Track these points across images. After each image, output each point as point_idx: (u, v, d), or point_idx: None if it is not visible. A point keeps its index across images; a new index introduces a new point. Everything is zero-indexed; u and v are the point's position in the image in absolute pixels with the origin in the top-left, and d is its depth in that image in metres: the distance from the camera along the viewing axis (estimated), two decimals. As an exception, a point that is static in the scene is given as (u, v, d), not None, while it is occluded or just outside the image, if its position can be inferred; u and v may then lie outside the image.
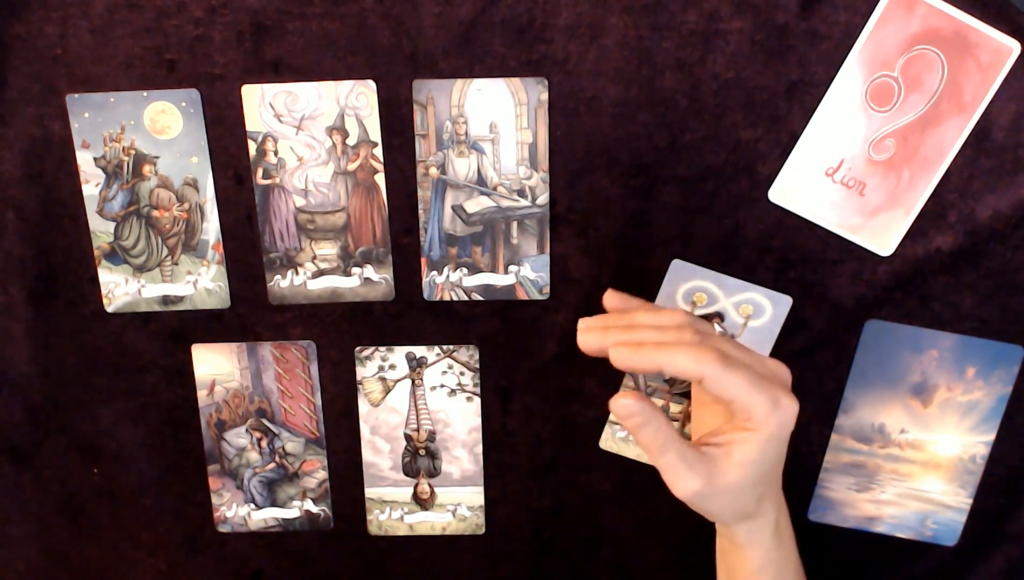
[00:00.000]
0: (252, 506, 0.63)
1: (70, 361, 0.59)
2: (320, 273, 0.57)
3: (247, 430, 0.61)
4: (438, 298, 0.57)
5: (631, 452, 0.60)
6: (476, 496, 0.63)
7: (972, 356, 0.56)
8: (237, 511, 0.63)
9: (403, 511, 0.63)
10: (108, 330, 0.59)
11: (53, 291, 0.58)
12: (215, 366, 0.60)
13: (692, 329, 0.45)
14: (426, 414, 0.61)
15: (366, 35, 0.52)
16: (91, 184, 0.55)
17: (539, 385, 0.59)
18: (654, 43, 0.51)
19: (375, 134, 0.54)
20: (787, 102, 0.52)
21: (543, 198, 0.55)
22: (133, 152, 0.55)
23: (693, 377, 0.42)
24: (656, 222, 0.55)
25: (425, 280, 0.57)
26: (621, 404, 0.42)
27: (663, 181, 0.54)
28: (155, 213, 0.56)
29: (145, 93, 0.53)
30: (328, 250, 0.57)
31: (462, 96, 0.53)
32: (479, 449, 0.61)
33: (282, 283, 0.57)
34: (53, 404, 0.61)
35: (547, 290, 0.57)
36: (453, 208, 0.56)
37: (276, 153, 0.55)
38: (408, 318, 0.58)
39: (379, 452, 0.62)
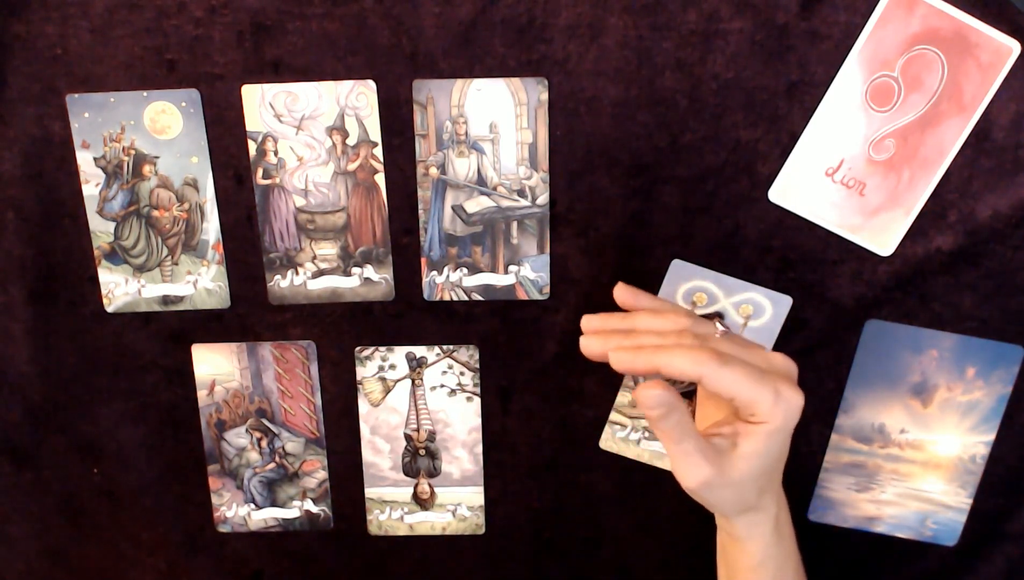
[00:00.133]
0: (252, 506, 0.63)
1: (70, 361, 0.59)
2: (320, 273, 0.57)
3: (247, 430, 0.61)
4: (438, 298, 0.57)
5: (631, 452, 0.60)
6: (476, 496, 0.63)
7: (972, 356, 0.56)
8: (237, 511, 0.63)
9: (403, 511, 0.63)
10: (108, 330, 0.59)
11: (53, 291, 0.58)
12: (215, 366, 0.60)
13: (691, 332, 0.46)
14: (426, 414, 0.61)
15: (366, 35, 0.52)
16: (91, 184, 0.55)
17: (539, 385, 0.59)
18: (654, 43, 0.51)
19: (375, 134, 0.54)
20: (787, 102, 0.52)
21: (543, 198, 0.55)
22: (133, 152, 0.55)
23: (692, 377, 0.43)
24: (656, 222, 0.55)
25: (425, 280, 0.57)
26: (650, 394, 0.43)
27: (663, 181, 0.54)
28: (155, 213, 0.56)
29: (145, 93, 0.53)
30: (328, 250, 0.57)
31: (462, 96, 0.53)
32: (479, 449, 0.61)
33: (282, 283, 0.57)
34: (53, 404, 0.61)
35: (547, 290, 0.57)
36: (453, 208, 0.56)
37: (276, 153, 0.55)
38: (408, 318, 0.58)
39: (379, 452, 0.62)
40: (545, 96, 0.52)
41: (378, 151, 0.54)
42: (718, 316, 0.56)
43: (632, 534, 0.63)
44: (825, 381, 0.58)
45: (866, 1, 0.49)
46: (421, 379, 0.60)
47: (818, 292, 0.55)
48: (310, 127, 0.54)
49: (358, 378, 0.60)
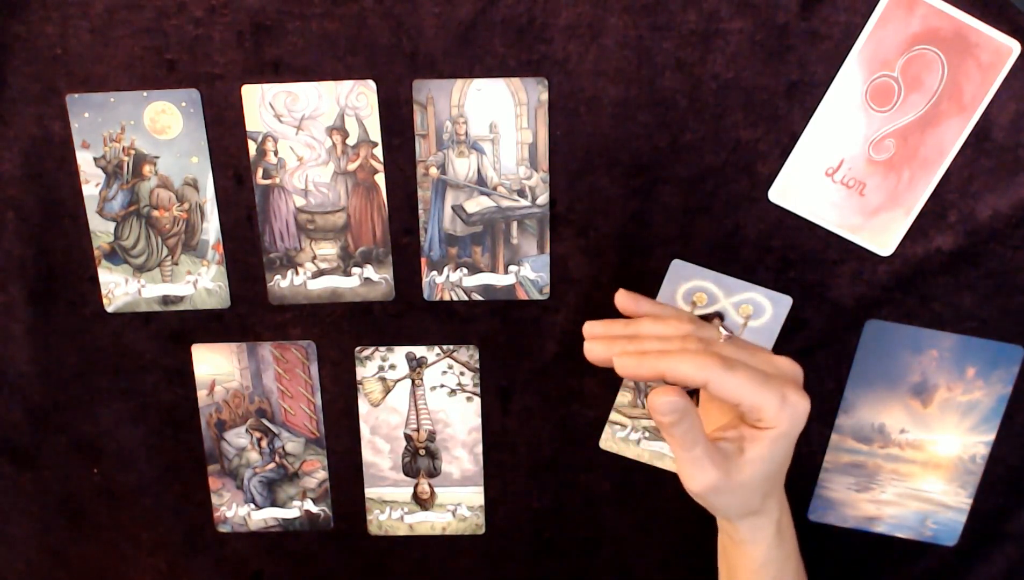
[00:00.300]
0: (252, 506, 0.63)
1: (70, 361, 0.59)
2: (320, 273, 0.57)
3: (247, 430, 0.61)
4: (438, 298, 0.57)
5: (631, 452, 0.60)
6: (476, 496, 0.63)
7: (972, 356, 0.56)
8: (237, 511, 0.63)
9: (403, 511, 0.63)
10: (108, 330, 0.59)
11: (53, 291, 0.58)
12: (215, 366, 0.60)
13: (695, 337, 0.45)
14: (426, 414, 0.61)
15: (366, 35, 0.52)
16: (91, 184, 0.55)
17: (539, 385, 0.59)
18: (654, 43, 0.51)
19: (375, 134, 0.54)
20: (787, 102, 0.52)
21: (543, 198, 0.55)
22: (133, 152, 0.55)
23: (697, 383, 0.43)
24: (656, 222, 0.55)
25: (425, 280, 0.57)
26: (664, 401, 0.42)
27: (663, 181, 0.54)
28: (155, 213, 0.56)
29: (145, 93, 0.53)
30: (328, 250, 0.57)
31: (462, 96, 0.53)
32: (479, 449, 0.61)
33: (282, 283, 0.57)
34: (53, 404, 0.61)
35: (547, 290, 0.57)
36: (453, 208, 0.56)
37: (276, 153, 0.55)
38: (408, 318, 0.58)
39: (379, 452, 0.62)
40: (545, 96, 0.52)
41: (378, 151, 0.54)
42: (718, 316, 0.56)
43: (632, 534, 0.63)
44: (825, 381, 0.58)
45: (866, 1, 0.49)
46: (421, 379, 0.60)
47: (818, 292, 0.55)
48: (310, 127, 0.54)
49: (358, 378, 0.60)
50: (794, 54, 0.51)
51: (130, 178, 0.55)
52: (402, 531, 0.64)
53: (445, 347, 0.59)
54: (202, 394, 0.60)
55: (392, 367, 0.60)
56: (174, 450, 0.62)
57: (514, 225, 0.56)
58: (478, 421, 0.61)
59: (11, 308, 0.58)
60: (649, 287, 0.56)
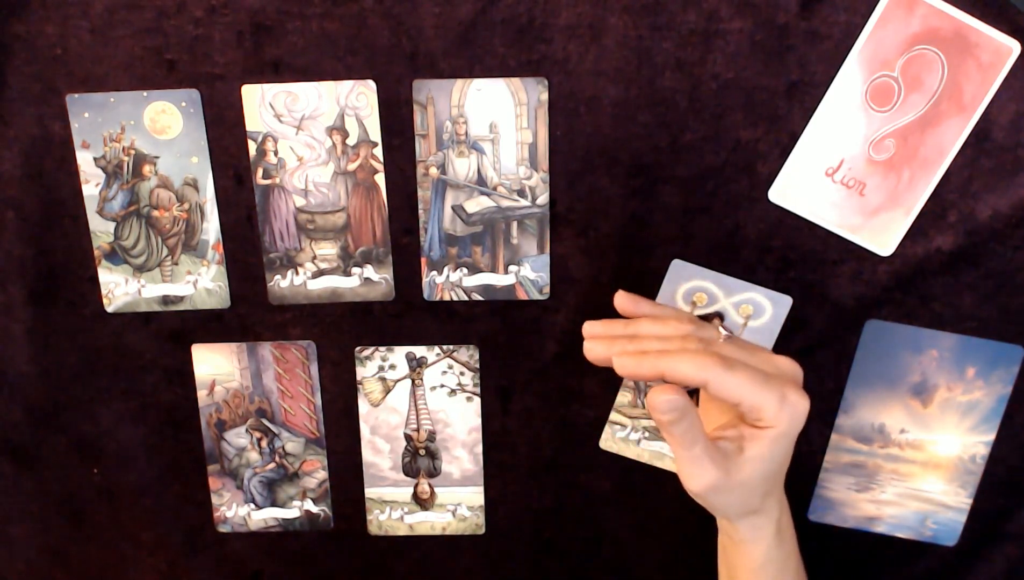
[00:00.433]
0: (252, 506, 0.63)
1: (70, 361, 0.59)
2: (320, 273, 0.57)
3: (247, 430, 0.61)
4: (438, 298, 0.57)
5: (631, 452, 0.60)
6: (476, 496, 0.63)
7: (972, 356, 0.56)
8: (237, 511, 0.63)
9: (403, 511, 0.63)
10: (108, 330, 0.59)
11: (53, 291, 0.58)
12: (215, 366, 0.60)
13: (695, 337, 0.46)
14: (426, 414, 0.61)
15: (366, 35, 0.52)
16: (91, 184, 0.55)
17: (539, 385, 0.59)
18: (654, 43, 0.51)
19: (375, 134, 0.54)
20: (787, 102, 0.52)
21: (543, 198, 0.55)
22: (133, 152, 0.55)
23: (697, 383, 0.43)
24: (656, 222, 0.55)
25: (425, 280, 0.57)
26: (664, 399, 0.42)
27: (663, 181, 0.54)
28: (155, 213, 0.56)
29: (145, 93, 0.53)
30: (328, 250, 0.57)
31: (462, 96, 0.53)
32: (479, 449, 0.61)
33: (282, 283, 0.57)
34: (53, 404, 0.61)
35: (547, 290, 0.57)
36: (453, 208, 0.56)
37: (276, 153, 0.55)
38: (408, 318, 0.58)
39: (379, 452, 0.62)
40: (545, 96, 0.52)
41: (378, 151, 0.54)
42: (718, 316, 0.56)
43: (632, 534, 0.63)
44: (825, 381, 0.58)
45: (866, 1, 0.49)
46: (421, 379, 0.60)
47: (818, 292, 0.55)
48: (310, 127, 0.54)
49: (358, 378, 0.60)
50: (794, 54, 0.51)
51: (130, 178, 0.55)
52: (402, 531, 0.64)
53: (445, 347, 0.59)
54: (202, 394, 0.60)
55: (392, 367, 0.60)
56: (174, 450, 0.62)
57: (514, 225, 0.56)
58: (478, 421, 0.61)
59: (11, 308, 0.58)
60: (649, 287, 0.56)
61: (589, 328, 0.48)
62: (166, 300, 0.58)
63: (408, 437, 0.61)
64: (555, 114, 0.53)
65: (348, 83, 0.53)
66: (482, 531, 0.63)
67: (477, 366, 0.59)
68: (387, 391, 0.60)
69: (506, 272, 0.57)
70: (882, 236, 0.53)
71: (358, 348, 0.59)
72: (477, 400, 0.60)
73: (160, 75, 0.53)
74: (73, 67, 0.53)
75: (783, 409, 0.44)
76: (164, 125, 0.54)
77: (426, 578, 0.65)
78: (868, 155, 0.52)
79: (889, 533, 0.61)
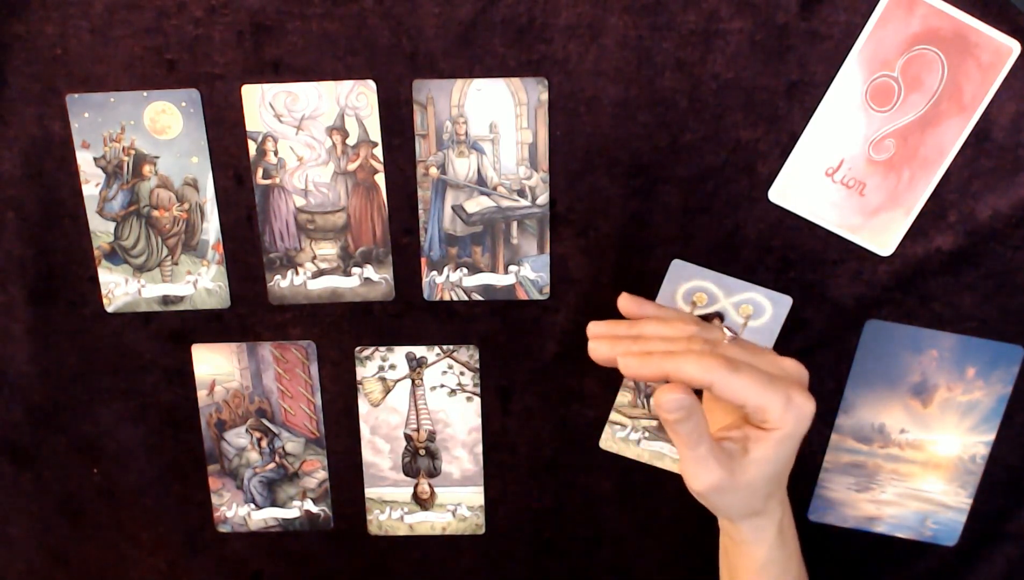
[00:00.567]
0: (252, 506, 0.63)
1: (70, 361, 0.59)
2: (320, 273, 0.57)
3: (247, 430, 0.61)
4: (438, 298, 0.57)
5: (631, 452, 0.60)
6: (476, 496, 0.63)
7: (972, 356, 0.56)
8: (237, 511, 0.63)
9: (403, 511, 0.63)
10: (108, 330, 0.59)
11: (53, 291, 0.58)
12: (215, 366, 0.60)
13: (700, 338, 0.45)
14: (426, 414, 0.61)
15: (366, 35, 0.52)
16: (91, 184, 0.55)
17: (539, 385, 0.59)
18: (654, 43, 0.51)
19: (375, 134, 0.54)
20: (787, 102, 0.52)
21: (543, 198, 0.55)
22: (133, 152, 0.55)
23: (702, 384, 0.43)
24: (656, 222, 0.55)
25: (425, 280, 0.57)
26: (670, 398, 0.42)
27: (663, 181, 0.54)
28: (155, 213, 0.56)
29: (145, 93, 0.53)
30: (328, 250, 0.57)
31: (462, 96, 0.53)
32: (479, 449, 0.61)
33: (282, 283, 0.57)
34: (53, 404, 0.61)
35: (547, 290, 0.57)
36: (453, 208, 0.56)
37: (276, 153, 0.55)
38: (408, 318, 0.58)
39: (379, 452, 0.62)
40: (545, 96, 0.52)
41: (378, 151, 0.54)
42: (718, 316, 0.56)
43: (632, 534, 0.63)
44: (825, 381, 0.58)
45: (866, 1, 0.49)
46: (421, 379, 0.60)
47: (818, 292, 0.55)
48: (310, 127, 0.54)
49: (358, 378, 0.60)
50: (794, 54, 0.51)
51: (130, 178, 0.55)
52: (402, 531, 0.64)
53: (445, 347, 0.59)
54: (202, 394, 0.60)
55: (392, 367, 0.60)
56: (174, 450, 0.62)
57: (514, 225, 0.56)
58: (478, 421, 0.61)
59: (11, 308, 0.58)
60: (649, 287, 0.56)
61: (593, 328, 0.48)
62: (166, 300, 0.58)
63: (408, 437, 0.61)
64: (555, 114, 0.53)
65: (348, 83, 0.53)
66: (482, 531, 0.63)
67: (477, 366, 0.59)
68: (387, 391, 0.60)
69: (506, 272, 0.57)
70: (882, 236, 0.53)
71: (358, 348, 0.59)
72: (477, 400, 0.60)
73: (160, 75, 0.53)
74: (73, 67, 0.53)
75: (788, 411, 0.43)
76: (164, 125, 0.54)
77: (426, 578, 0.65)
78: (868, 155, 0.52)
79: (889, 533, 0.61)
